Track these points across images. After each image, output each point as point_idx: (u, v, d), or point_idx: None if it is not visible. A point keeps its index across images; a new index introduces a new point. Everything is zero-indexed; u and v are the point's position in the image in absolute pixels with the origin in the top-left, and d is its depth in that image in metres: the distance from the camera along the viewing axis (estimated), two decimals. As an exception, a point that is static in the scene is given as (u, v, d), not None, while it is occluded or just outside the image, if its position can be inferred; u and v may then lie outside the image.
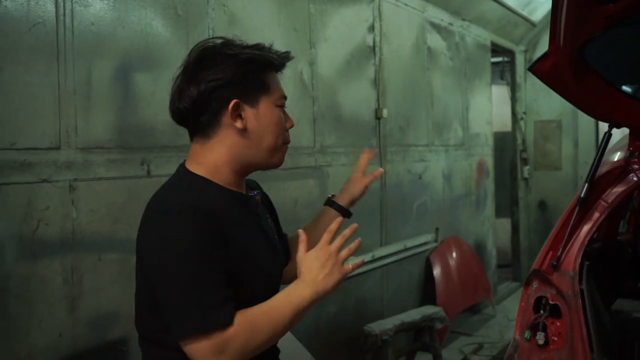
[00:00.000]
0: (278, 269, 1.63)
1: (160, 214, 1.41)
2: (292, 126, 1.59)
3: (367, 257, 3.97)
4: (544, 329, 2.03)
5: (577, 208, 2.09)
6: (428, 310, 4.15)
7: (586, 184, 2.10)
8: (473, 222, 5.83)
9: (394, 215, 4.40)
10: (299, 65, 3.46)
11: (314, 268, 1.42)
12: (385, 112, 4.24)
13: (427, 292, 4.80)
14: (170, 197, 1.44)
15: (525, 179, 7.25)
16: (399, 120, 4.53)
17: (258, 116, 1.49)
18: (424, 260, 4.85)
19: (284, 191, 3.34)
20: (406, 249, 4.49)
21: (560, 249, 2.03)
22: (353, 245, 1.47)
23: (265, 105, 1.50)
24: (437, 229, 4.96)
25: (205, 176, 1.49)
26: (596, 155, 2.11)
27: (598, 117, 2.25)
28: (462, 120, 5.61)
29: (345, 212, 1.92)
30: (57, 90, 2.19)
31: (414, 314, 4.06)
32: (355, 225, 1.52)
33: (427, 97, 4.97)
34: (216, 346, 1.33)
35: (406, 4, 4.62)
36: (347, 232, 1.48)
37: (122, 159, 2.43)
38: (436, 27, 5.11)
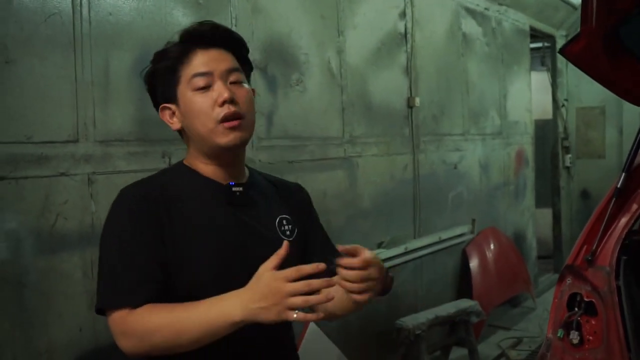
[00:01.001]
0: (244, 269, 1.38)
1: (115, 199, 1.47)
2: (224, 99, 1.42)
3: (400, 249, 3.88)
4: (579, 328, 1.92)
5: (614, 199, 1.97)
6: (463, 303, 4.04)
7: (623, 173, 1.97)
8: (512, 213, 5.67)
9: (427, 206, 4.29)
10: (326, 54, 3.38)
11: (257, 292, 1.25)
12: (417, 101, 4.13)
13: (463, 285, 4.68)
14: (129, 184, 1.49)
15: (567, 168, 7.03)
16: (433, 109, 4.41)
17: (181, 110, 1.46)
18: (459, 253, 4.73)
19: (312, 182, 3.27)
20: (441, 241, 4.37)
21: (596, 243, 1.91)
22: (311, 315, 1.29)
23: (182, 96, 1.45)
24: (473, 220, 4.83)
25: (188, 164, 1.51)
26: (634, 142, 1.97)
27: (636, 101, 2.11)
28: (499, 108, 5.45)
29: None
30: (74, 82, 2.16)
31: (448, 308, 3.95)
32: (332, 280, 1.29)
33: (462, 85, 4.83)
34: (120, 327, 1.33)
35: (439, -11, 4.49)
36: (316, 282, 1.25)
37: (143, 152, 2.39)
38: (471, 12, 4.96)
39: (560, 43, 6.86)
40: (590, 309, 1.92)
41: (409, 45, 4.12)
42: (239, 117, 1.43)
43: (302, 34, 3.20)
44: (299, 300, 1.23)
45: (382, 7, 3.89)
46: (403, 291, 4.03)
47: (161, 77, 1.47)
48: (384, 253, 3.73)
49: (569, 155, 7.00)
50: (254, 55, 2.84)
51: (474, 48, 5.01)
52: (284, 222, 1.55)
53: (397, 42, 4.03)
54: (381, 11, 3.87)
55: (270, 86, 3.00)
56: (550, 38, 6.78)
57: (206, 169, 1.49)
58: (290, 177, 3.25)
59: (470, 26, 4.94)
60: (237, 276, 1.35)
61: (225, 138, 1.42)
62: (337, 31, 3.47)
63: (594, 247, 1.92)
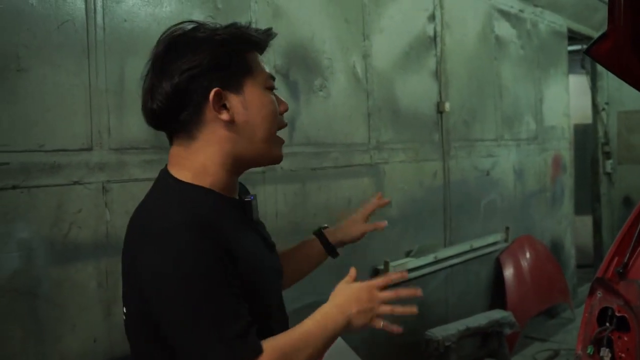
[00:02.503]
0: (280, 281, 1.46)
1: (155, 237, 1.19)
2: (286, 109, 1.37)
3: (429, 258, 3.78)
4: (610, 344, 1.80)
5: (648, 208, 1.85)
6: (496, 314, 3.92)
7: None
8: (548, 220, 5.50)
9: (459, 214, 4.17)
10: (351, 58, 3.31)
11: (352, 300, 1.28)
12: (447, 106, 4.03)
13: (496, 295, 4.54)
14: (162, 214, 1.22)
15: (608, 174, 6.80)
16: (464, 114, 4.30)
17: (245, 103, 1.28)
18: (493, 261, 4.59)
19: (336, 190, 3.20)
20: (473, 250, 4.25)
21: (627, 255, 1.80)
22: (394, 327, 1.33)
23: (251, 90, 1.29)
24: (507, 228, 4.68)
25: (193, 182, 1.28)
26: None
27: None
28: (535, 112, 5.30)
29: (331, 251, 1.70)
30: (87, 90, 2.14)
31: (480, 319, 3.83)
32: (419, 290, 1.37)
33: (495, 89, 4.70)
34: None
35: (470, -9, 4.38)
36: (404, 291, 1.34)
37: (159, 160, 2.36)
38: (505, 14, 4.83)
39: (599, 45, 6.65)
40: (622, 325, 1.80)
41: (438, 49, 4.02)
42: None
43: (326, 38, 3.14)
44: (387, 308, 1.30)
45: (410, 10, 3.80)
46: (432, 301, 3.93)
47: (230, 54, 1.28)
48: (413, 262, 3.63)
49: (610, 161, 6.77)
50: (275, 61, 2.80)
51: (507, 51, 4.88)
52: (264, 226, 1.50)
53: (426, 46, 3.93)
54: (409, 14, 3.79)
55: (293, 92, 2.95)
56: (590, 40, 6.58)
57: (219, 183, 1.30)
58: (313, 185, 3.22)
59: (503, 29, 4.81)
60: (280, 294, 1.42)
61: (278, 150, 1.36)
62: (363, 35, 3.40)
63: (625, 259, 1.81)
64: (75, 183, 2.10)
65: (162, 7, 2.38)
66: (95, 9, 2.16)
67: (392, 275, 1.35)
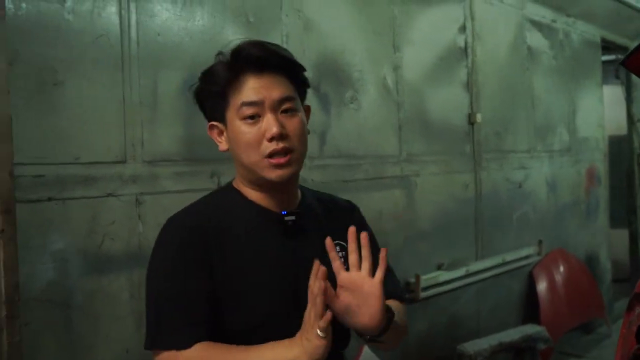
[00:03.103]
0: (290, 305, 1.36)
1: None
2: (274, 135, 1.33)
3: (461, 271, 3.74)
4: (649, 363, 1.75)
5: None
6: (529, 329, 3.85)
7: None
8: (583, 233, 5.40)
9: (490, 226, 4.12)
10: (382, 70, 3.30)
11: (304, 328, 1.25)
12: (479, 117, 3.99)
13: (529, 309, 4.46)
14: (178, 211, 1.42)
15: (644, 186, 6.66)
16: (496, 125, 4.25)
17: (229, 134, 1.39)
18: (525, 275, 4.51)
19: (367, 202, 3.18)
20: (505, 263, 4.18)
21: (667, 270, 1.74)
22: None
23: (230, 122, 1.37)
24: (540, 241, 4.61)
25: (237, 188, 1.43)
26: None
27: None
28: (568, 123, 5.22)
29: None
30: (122, 103, 2.16)
31: (513, 334, 3.77)
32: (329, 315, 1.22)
33: (528, 100, 4.65)
34: None
35: (501, 2, 4.34)
36: (315, 288, 1.23)
37: (191, 172, 2.37)
38: (537, 24, 4.77)
39: (635, 55, 6.53)
40: (662, 343, 1.74)
41: (469, 60, 3.99)
42: (288, 152, 1.35)
43: (356, 51, 3.14)
44: (322, 323, 1.21)
45: (441, 21, 3.78)
46: (464, 315, 3.87)
47: (209, 98, 1.40)
48: (444, 275, 3.60)
49: (646, 173, 6.63)
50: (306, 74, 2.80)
51: (540, 62, 4.82)
52: (338, 248, 1.37)
53: (457, 57, 3.91)
54: (439, 26, 3.77)
55: (323, 104, 2.95)
56: (625, 50, 6.46)
57: (255, 194, 1.41)
58: (344, 197, 3.19)
59: (535, 39, 4.75)
60: (291, 312, 1.32)
61: (272, 174, 1.35)
62: (393, 47, 3.39)
63: (665, 275, 1.75)
64: (109, 195, 2.12)
65: (194, 21, 2.40)
66: (129, 23, 2.19)
67: (311, 289, 1.23)
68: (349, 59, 3.10)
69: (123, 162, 2.17)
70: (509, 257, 4.22)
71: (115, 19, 2.15)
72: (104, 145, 2.12)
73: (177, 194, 2.32)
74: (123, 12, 2.17)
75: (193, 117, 2.37)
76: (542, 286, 4.48)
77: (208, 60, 2.42)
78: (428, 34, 3.65)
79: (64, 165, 2.01)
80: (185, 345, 1.28)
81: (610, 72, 6.54)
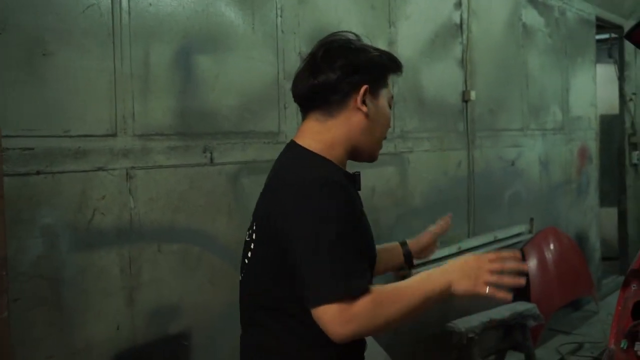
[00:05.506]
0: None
1: (303, 188, 1.44)
2: (390, 126, 1.67)
3: (453, 248, 3.73)
4: (644, 340, 1.75)
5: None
6: (520, 306, 3.85)
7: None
8: (574, 212, 5.42)
9: (483, 204, 4.12)
10: (376, 45, 3.24)
11: (457, 266, 1.47)
12: (473, 95, 3.96)
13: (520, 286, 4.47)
14: (306, 172, 1.48)
15: (635, 165, 6.68)
16: (490, 103, 4.22)
17: (377, 108, 1.59)
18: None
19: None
20: (496, 241, 4.18)
21: (665, 249, 1.74)
22: (500, 293, 1.45)
23: (382, 100, 1.61)
24: (531, 219, 4.61)
25: (321, 154, 1.54)
26: None
27: None
28: (561, 102, 5.20)
29: (408, 260, 1.96)
30: (112, 75, 2.12)
31: (503, 311, 3.77)
32: (525, 265, 1.53)
33: (522, 78, 4.62)
34: (345, 315, 1.35)
35: (498, -23, 4.29)
36: (511, 264, 1.48)
37: (183, 146, 2.34)
38: (532, 2, 4.73)
39: (628, 34, 6.51)
40: (658, 320, 1.75)
41: (464, 37, 3.95)
42: None
43: (351, 24, 3.08)
44: (494, 277, 1.43)
45: (437, -4, 3.73)
46: (456, 292, 3.88)
47: (381, 68, 1.60)
48: (436, 252, 3.58)
49: (637, 152, 6.65)
50: (300, 47, 2.76)
51: (535, 39, 4.79)
52: None
53: (452, 34, 3.87)
54: (435, 1, 3.72)
55: (317, 79, 2.90)
56: (619, 29, 6.43)
57: (339, 158, 1.57)
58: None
59: (531, 16, 4.71)
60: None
61: (378, 152, 1.65)
62: (388, 22, 3.34)
63: (662, 253, 1.75)
64: (99, 169, 2.09)
65: (187, -9, 2.35)
66: (120, -7, 2.13)
67: (504, 254, 1.48)
68: (344, 33, 3.04)
69: (114, 135, 2.13)
70: (500, 234, 4.22)
71: (105, -13, 2.09)
72: (94, 118, 2.08)
73: (170, 168, 2.29)
74: (114, -19, 2.11)
75: (186, 90, 2.34)
76: (532, 264, 4.49)
77: (201, 31, 2.39)
78: (423, 9, 3.60)
79: (53, 138, 1.97)
80: (367, 289, 1.38)
81: (603, 51, 6.52)
